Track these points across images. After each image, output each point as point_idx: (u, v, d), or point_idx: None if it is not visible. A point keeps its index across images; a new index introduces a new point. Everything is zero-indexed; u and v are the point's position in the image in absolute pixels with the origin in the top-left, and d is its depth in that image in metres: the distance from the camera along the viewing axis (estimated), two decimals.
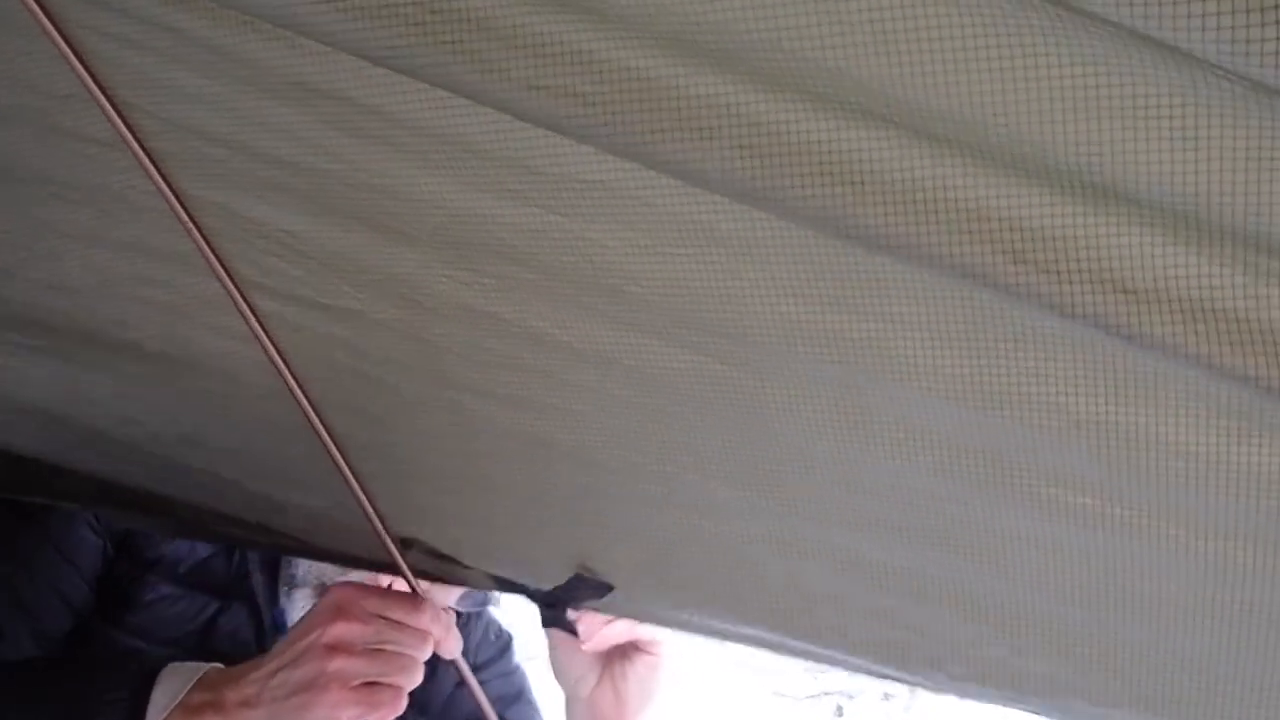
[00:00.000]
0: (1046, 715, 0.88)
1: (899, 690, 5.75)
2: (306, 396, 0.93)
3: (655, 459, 0.81)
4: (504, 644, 1.47)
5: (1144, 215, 0.51)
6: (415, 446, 0.95)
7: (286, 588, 1.26)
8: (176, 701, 0.99)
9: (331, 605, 1.03)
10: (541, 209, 0.67)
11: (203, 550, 1.23)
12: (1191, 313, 0.52)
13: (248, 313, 0.87)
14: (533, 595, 1.07)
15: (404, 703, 1.06)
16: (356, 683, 1.01)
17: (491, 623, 1.44)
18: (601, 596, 0.98)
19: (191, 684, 1.00)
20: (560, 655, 1.20)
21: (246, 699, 1.00)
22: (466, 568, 1.04)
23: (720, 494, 0.81)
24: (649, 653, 1.20)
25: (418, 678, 1.07)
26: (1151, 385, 0.61)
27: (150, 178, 0.80)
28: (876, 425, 0.70)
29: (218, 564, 1.24)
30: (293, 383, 0.91)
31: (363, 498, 1.00)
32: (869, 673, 0.94)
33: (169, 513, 1.17)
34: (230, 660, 1.07)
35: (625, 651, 1.20)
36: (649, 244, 0.66)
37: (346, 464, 0.97)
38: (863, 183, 0.55)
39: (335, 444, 0.96)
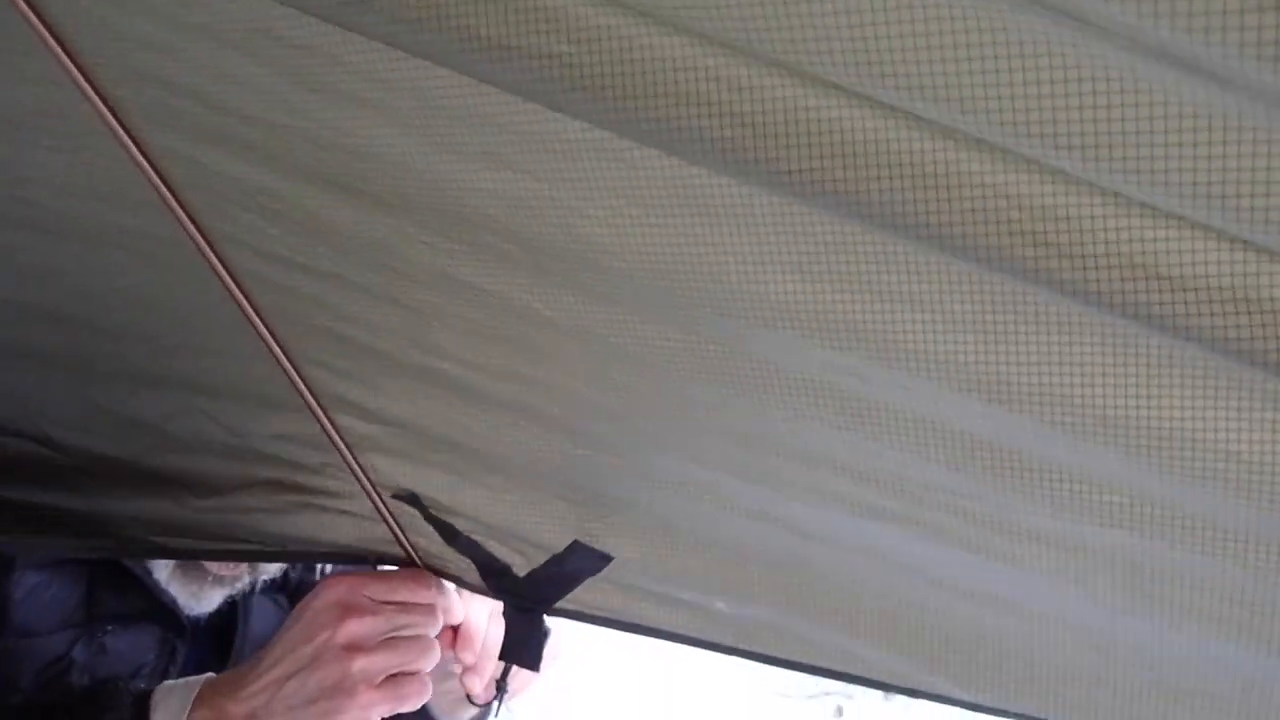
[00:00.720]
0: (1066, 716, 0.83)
1: None
2: (285, 353, 0.89)
3: (648, 439, 0.77)
4: None
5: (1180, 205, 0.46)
6: (405, 411, 0.91)
7: None
8: None
9: (335, 601, 0.99)
10: (518, 173, 0.62)
11: None
12: (1228, 301, 0.48)
13: (216, 263, 0.83)
14: (513, 591, 1.03)
15: (429, 687, 1.03)
16: (381, 678, 0.98)
17: None
18: (599, 568, 0.94)
19: (189, 705, 0.97)
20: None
21: (254, 711, 0.97)
22: (456, 536, 0.99)
23: (716, 476, 0.77)
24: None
25: (436, 656, 1.03)
26: (1189, 376, 0.55)
27: (109, 127, 0.75)
28: (880, 415, 0.65)
29: None
30: (269, 337, 0.87)
31: (348, 454, 0.96)
32: (867, 680, 0.89)
33: (112, 533, 1.14)
34: (127, 620, 1.06)
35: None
36: (634, 213, 0.60)
37: (326, 417, 0.93)
38: (866, 161, 0.50)
39: (313, 396, 0.92)
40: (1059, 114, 0.43)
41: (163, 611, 1.20)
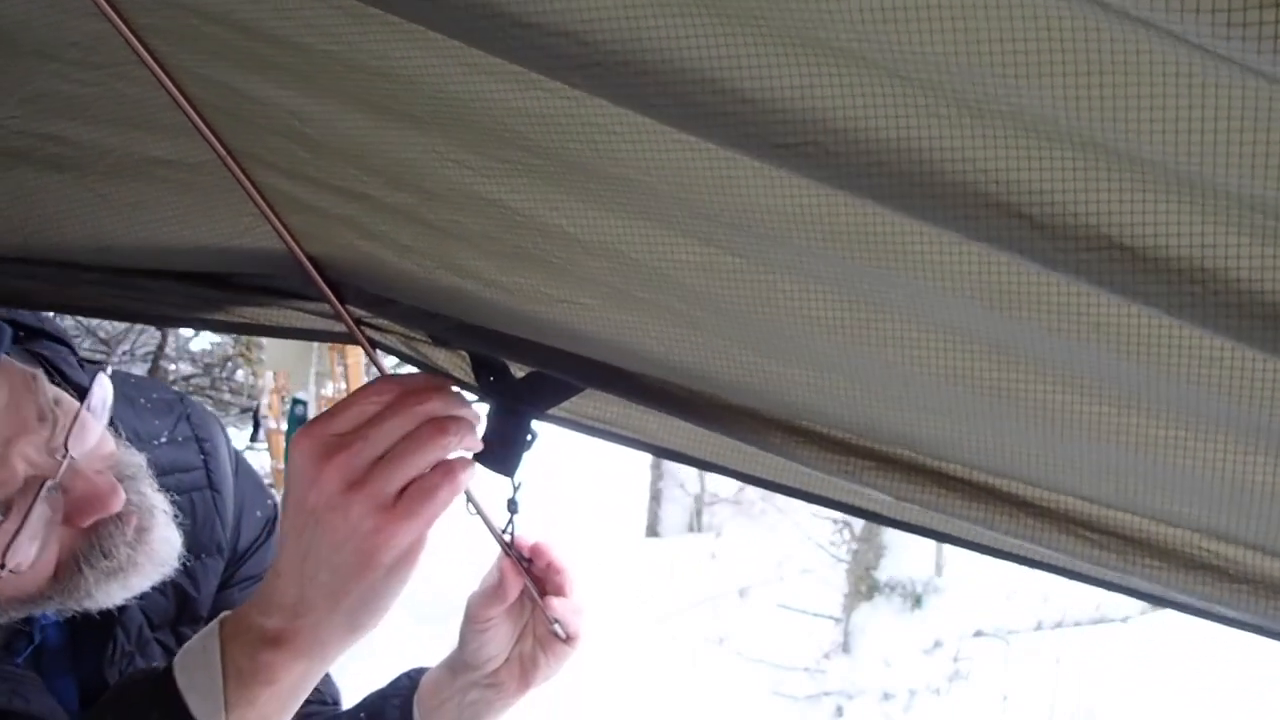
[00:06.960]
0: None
1: (899, 690, 5.85)
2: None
3: (665, 355, 0.80)
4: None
5: (1143, 173, 0.49)
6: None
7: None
8: (223, 698, 0.86)
9: (304, 458, 0.86)
10: (547, 92, 0.64)
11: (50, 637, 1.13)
12: (1183, 271, 0.51)
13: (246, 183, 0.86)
14: (505, 392, 0.98)
15: (457, 475, 0.89)
16: (394, 498, 0.86)
17: None
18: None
19: (220, 668, 0.87)
20: (476, 634, 1.12)
21: (295, 613, 0.87)
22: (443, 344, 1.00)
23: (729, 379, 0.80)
24: (568, 644, 1.13)
25: (444, 441, 0.89)
26: None
27: (135, 51, 0.78)
28: (888, 323, 0.68)
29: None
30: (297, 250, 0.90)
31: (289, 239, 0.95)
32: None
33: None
34: None
35: (542, 638, 1.13)
36: (656, 128, 0.63)
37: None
38: (855, 138, 0.53)
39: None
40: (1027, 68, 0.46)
41: None
